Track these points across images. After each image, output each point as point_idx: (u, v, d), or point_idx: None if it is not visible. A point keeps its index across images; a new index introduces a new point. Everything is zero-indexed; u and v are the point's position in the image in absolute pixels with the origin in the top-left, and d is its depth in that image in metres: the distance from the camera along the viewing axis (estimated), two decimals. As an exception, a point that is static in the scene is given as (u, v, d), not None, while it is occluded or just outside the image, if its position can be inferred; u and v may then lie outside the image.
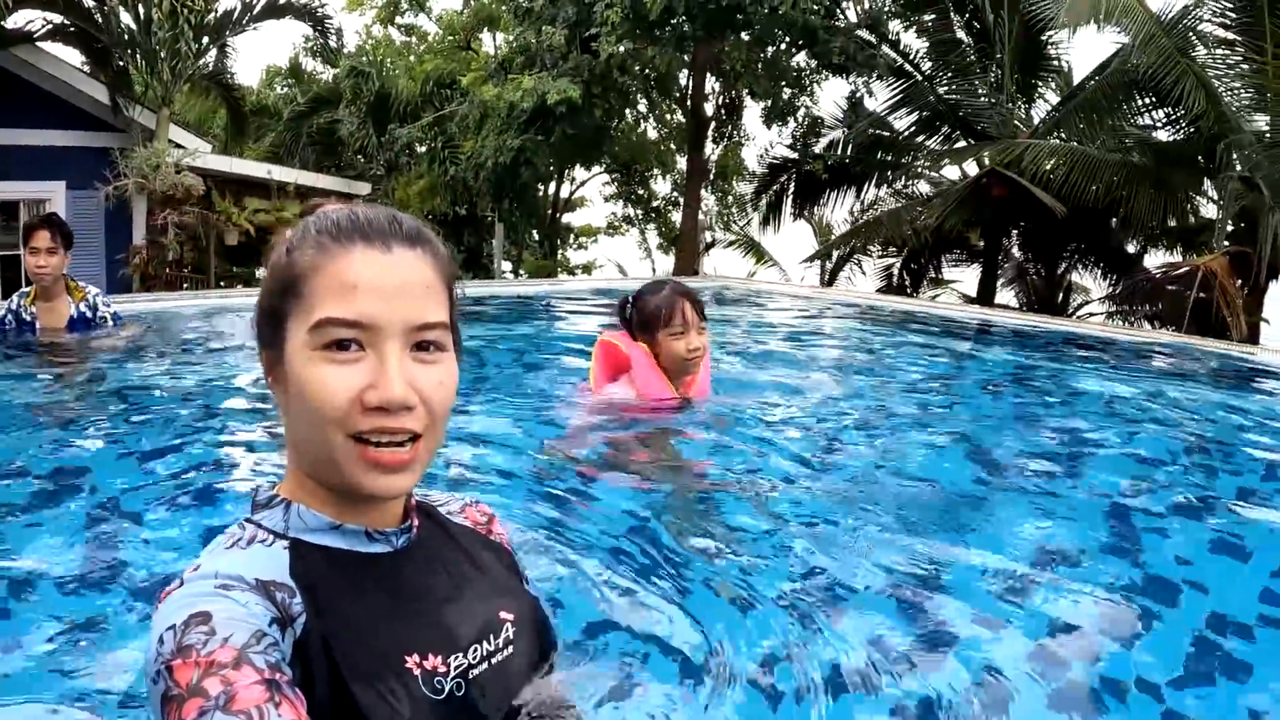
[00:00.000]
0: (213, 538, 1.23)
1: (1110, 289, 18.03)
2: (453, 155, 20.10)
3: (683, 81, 20.38)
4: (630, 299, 3.90)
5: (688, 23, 16.40)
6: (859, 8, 18.07)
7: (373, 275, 1.14)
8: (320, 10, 18.22)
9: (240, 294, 10.86)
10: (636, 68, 17.76)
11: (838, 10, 16.84)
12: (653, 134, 25.34)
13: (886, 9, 18.69)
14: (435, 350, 1.17)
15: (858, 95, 19.73)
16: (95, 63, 16.72)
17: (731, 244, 24.04)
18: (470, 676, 1.20)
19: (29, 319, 5.73)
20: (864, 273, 21.99)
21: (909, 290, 20.00)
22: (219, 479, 3.21)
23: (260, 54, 70.97)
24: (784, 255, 23.10)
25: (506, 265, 26.28)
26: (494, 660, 1.25)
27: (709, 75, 19.81)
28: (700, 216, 23.37)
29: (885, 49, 18.30)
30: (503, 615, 1.30)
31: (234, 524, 1.23)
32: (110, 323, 5.94)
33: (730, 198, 23.87)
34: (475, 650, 1.23)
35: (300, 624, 1.10)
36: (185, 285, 17.83)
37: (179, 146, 17.11)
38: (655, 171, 26.28)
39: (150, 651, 1.02)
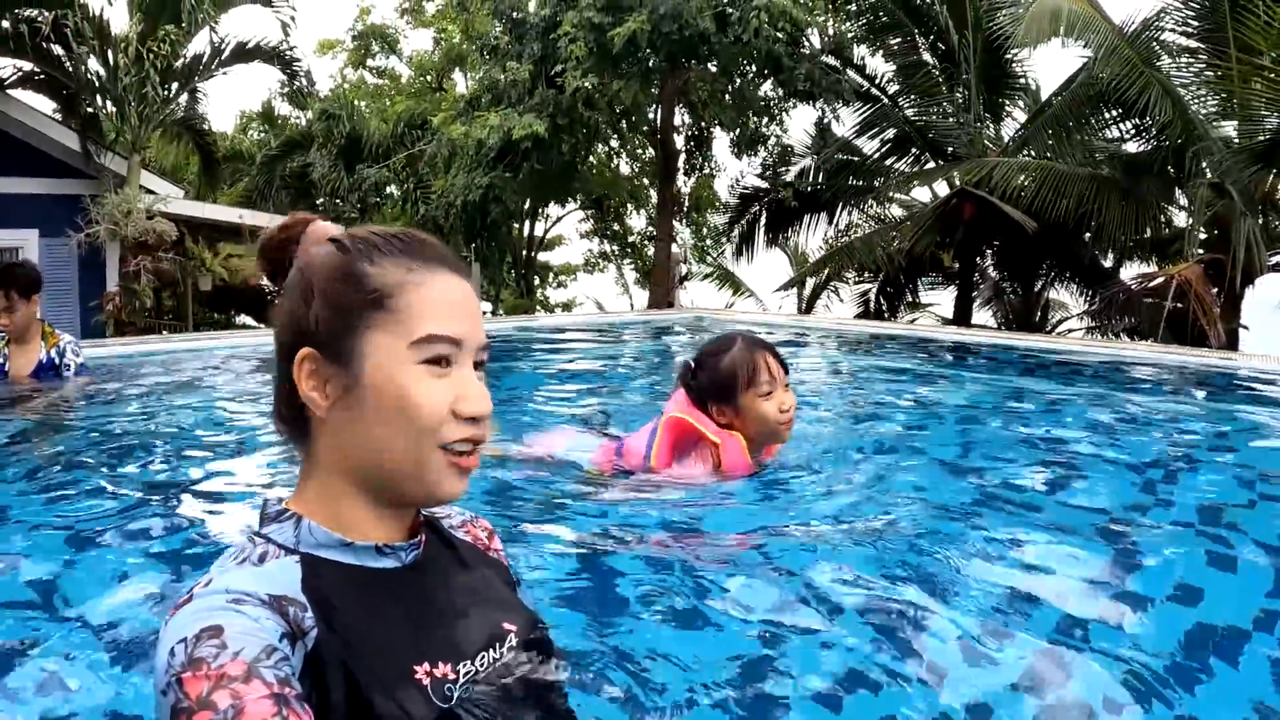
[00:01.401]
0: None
1: (1087, 304, 18.07)
2: (424, 195, 20.09)
3: (651, 115, 20.42)
4: (695, 362, 3.42)
5: (652, 55, 16.45)
6: (823, 35, 18.15)
7: (461, 298, 1.24)
8: (289, 54, 18.23)
9: (206, 337, 10.87)
10: (603, 102, 17.75)
11: (801, 38, 16.84)
12: (625, 169, 25.41)
13: (851, 35, 18.84)
14: (481, 369, 1.27)
15: (825, 121, 19.83)
16: (66, 110, 16.68)
17: (708, 276, 24.05)
18: (478, 685, 1.23)
19: (1, 360, 5.66)
20: (841, 299, 22.03)
21: (886, 315, 20.01)
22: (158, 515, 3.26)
23: (236, 98, 70.75)
24: (761, 285, 23.13)
25: (486, 305, 26.27)
26: (500, 669, 1.27)
27: (677, 107, 19.87)
28: (675, 249, 23.41)
29: (851, 74, 18.41)
30: (506, 626, 1.32)
31: (243, 538, 1.24)
32: (71, 372, 5.84)
33: (704, 230, 23.90)
34: (482, 658, 1.25)
35: (312, 638, 1.12)
36: (164, 331, 17.75)
37: (150, 192, 17.07)
38: (629, 206, 26.29)
39: (160, 664, 1.03)
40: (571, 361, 8.86)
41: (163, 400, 6.26)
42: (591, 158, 24.42)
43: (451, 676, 1.20)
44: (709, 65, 17.57)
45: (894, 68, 18.68)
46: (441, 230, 20.25)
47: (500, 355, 8.77)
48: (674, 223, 24.09)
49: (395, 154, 21.05)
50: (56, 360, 5.78)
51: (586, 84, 16.36)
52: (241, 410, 5.64)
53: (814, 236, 20.99)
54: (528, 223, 25.25)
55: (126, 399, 6.41)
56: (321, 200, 22.11)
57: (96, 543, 2.94)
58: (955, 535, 2.94)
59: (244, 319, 22.47)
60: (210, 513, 3.40)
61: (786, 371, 3.37)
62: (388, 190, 21.46)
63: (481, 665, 1.24)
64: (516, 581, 1.52)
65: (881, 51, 18.66)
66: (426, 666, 1.18)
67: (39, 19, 14.97)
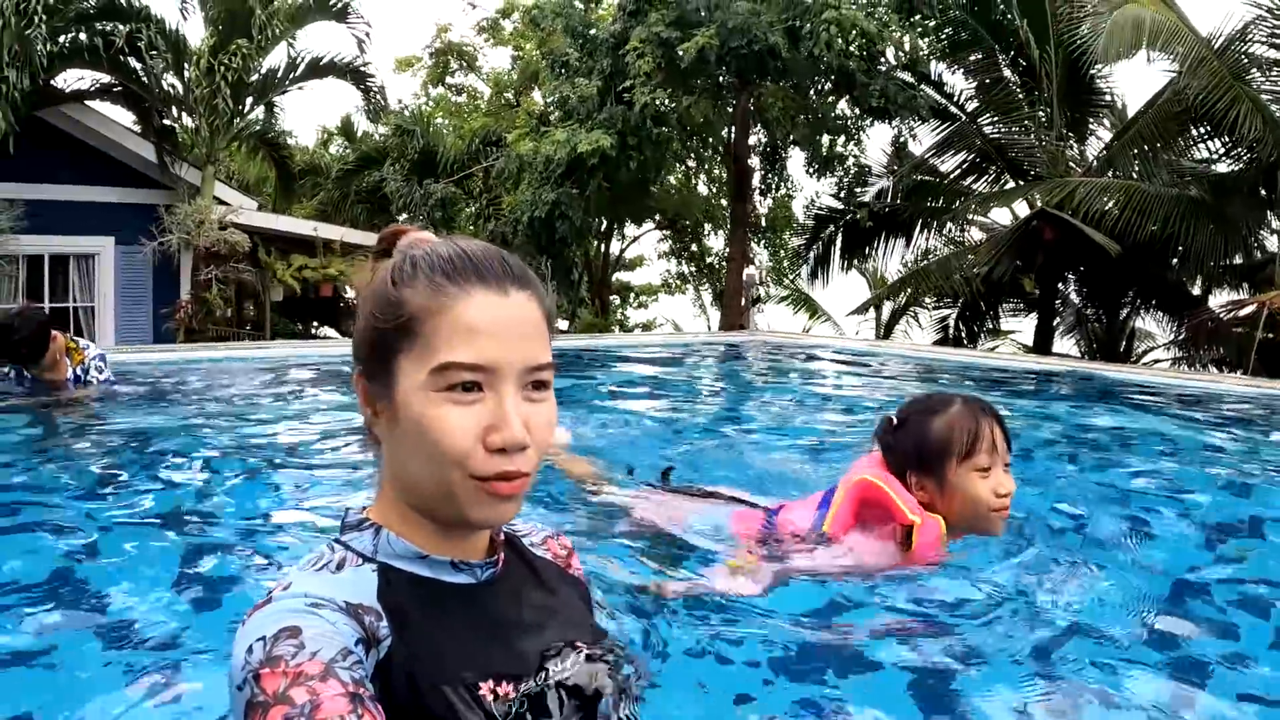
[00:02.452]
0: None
1: (1174, 333, 17.19)
2: (495, 210, 20.07)
3: (724, 133, 20.14)
4: (899, 417, 2.84)
5: (722, 71, 16.16)
6: (899, 50, 17.62)
7: (493, 320, 1.15)
8: (363, 70, 18.39)
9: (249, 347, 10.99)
10: (672, 118, 17.51)
11: (876, 53, 16.35)
12: (703, 189, 25.12)
13: (927, 51, 18.30)
14: (542, 389, 1.19)
15: (902, 140, 19.30)
16: (143, 121, 17.01)
17: (785, 299, 23.59)
18: (543, 704, 1.20)
19: (28, 380, 5.81)
20: (920, 325, 21.40)
21: (965, 341, 19.31)
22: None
23: (320, 112, 72.39)
24: (839, 308, 22.65)
25: (563, 324, 26.20)
26: (566, 688, 1.24)
27: (752, 125, 19.53)
28: (750, 270, 23.01)
29: (928, 90, 17.85)
30: (578, 645, 1.30)
31: (324, 544, 1.24)
32: (96, 385, 5.98)
33: (782, 251, 23.46)
34: (545, 677, 1.23)
35: (385, 647, 1.12)
36: (240, 339, 18.05)
37: (223, 203, 17.33)
38: (707, 227, 25.98)
39: (237, 660, 1.03)
40: (625, 388, 8.54)
41: (206, 406, 6.39)
42: (671, 177, 24.27)
43: (514, 696, 1.17)
44: (781, 82, 17.17)
45: (973, 84, 18.11)
46: (509, 245, 20.24)
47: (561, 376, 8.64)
48: (751, 244, 23.77)
49: (469, 170, 21.08)
50: (83, 376, 5.91)
51: (655, 100, 16.15)
52: (276, 419, 5.78)
53: (892, 259, 20.40)
54: (603, 241, 25.01)
55: (166, 403, 6.59)
56: (404, 217, 22.26)
57: (112, 540, 3.11)
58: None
59: (326, 330, 22.76)
60: (225, 515, 3.51)
61: (1010, 448, 2.72)
62: (457, 206, 21.44)
63: (547, 684, 1.22)
64: (595, 601, 1.52)
65: (960, 68, 18.08)
66: (492, 683, 1.16)
67: (114, 33, 15.31)
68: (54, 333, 5.72)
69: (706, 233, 26.21)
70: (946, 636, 2.37)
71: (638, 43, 16.12)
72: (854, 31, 15.02)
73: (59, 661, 2.24)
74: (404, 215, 21.76)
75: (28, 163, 14.87)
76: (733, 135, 19.66)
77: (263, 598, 1.12)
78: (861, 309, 20.61)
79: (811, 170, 19.57)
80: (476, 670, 1.16)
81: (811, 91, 17.51)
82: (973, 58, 17.73)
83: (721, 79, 16.47)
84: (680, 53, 15.64)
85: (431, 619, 1.18)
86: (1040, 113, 17.00)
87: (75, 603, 2.62)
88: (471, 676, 1.15)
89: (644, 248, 30.42)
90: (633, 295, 32.26)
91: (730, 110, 18.58)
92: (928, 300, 20.31)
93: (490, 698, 1.15)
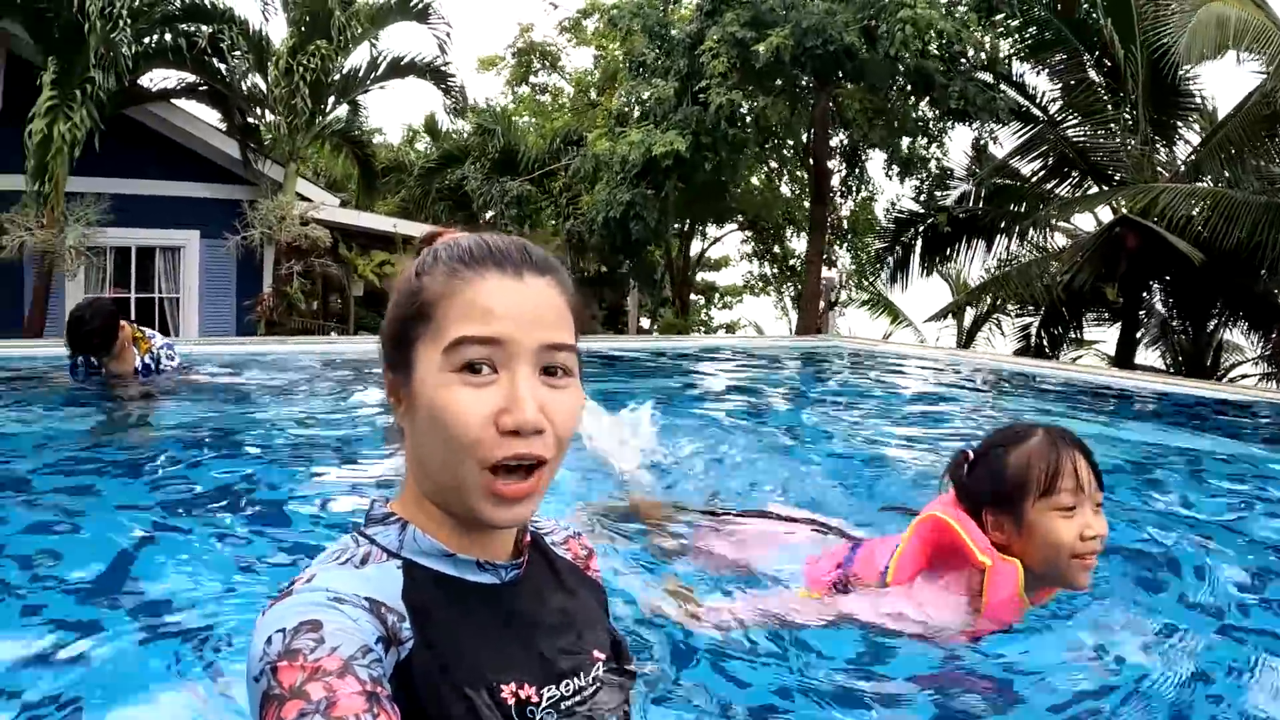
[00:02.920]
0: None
1: (1262, 347, 16.46)
2: (573, 209, 20.15)
3: (804, 135, 19.91)
4: (976, 451, 2.55)
5: (799, 72, 15.95)
6: (978, 50, 17.16)
7: (507, 301, 1.15)
8: (443, 69, 18.60)
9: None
10: (748, 119, 17.35)
11: (955, 54, 15.95)
12: (786, 190, 24.89)
13: (1008, 52, 17.82)
14: (563, 375, 1.17)
15: (982, 142, 18.83)
16: (227, 119, 17.45)
17: (865, 303, 23.26)
18: (561, 709, 1.20)
19: (97, 367, 6.10)
20: (1003, 332, 20.87)
21: (1047, 351, 18.77)
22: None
23: (410, 110, 73.36)
24: (920, 314, 22.15)
25: (646, 322, 26.22)
26: (584, 695, 1.24)
27: (831, 127, 19.27)
28: (830, 274, 22.73)
29: (1009, 91, 17.38)
30: (595, 654, 1.30)
31: (347, 536, 1.24)
32: (173, 373, 6.30)
33: (863, 255, 23.14)
34: (568, 684, 1.22)
35: (407, 647, 1.11)
36: (324, 332, 18.48)
37: (305, 199, 17.69)
38: (790, 229, 25.74)
39: (255, 651, 1.02)
40: (689, 391, 8.47)
41: (274, 397, 6.73)
42: (755, 178, 24.09)
43: (535, 700, 1.17)
44: (859, 82, 16.89)
45: (1057, 86, 17.56)
46: (586, 245, 20.30)
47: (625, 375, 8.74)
48: (834, 247, 23.50)
49: (548, 169, 21.20)
50: (152, 365, 6.17)
51: (730, 101, 16.03)
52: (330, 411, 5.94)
53: (973, 264, 19.95)
54: (683, 242, 24.96)
55: (235, 394, 6.87)
56: (489, 215, 22.50)
57: (168, 527, 3.23)
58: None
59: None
60: (276, 508, 3.61)
61: (1101, 486, 2.37)
62: (533, 204, 21.57)
63: (566, 690, 1.22)
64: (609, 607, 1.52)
65: (1044, 69, 17.55)
66: (513, 686, 1.16)
67: (197, 34, 15.74)
68: (121, 322, 6.01)
69: (790, 235, 25.96)
70: (996, 696, 2.17)
71: (712, 43, 16.01)
72: (930, 31, 14.68)
73: (113, 652, 2.28)
74: (490, 214, 22.01)
75: (116, 159, 15.33)
76: (811, 137, 19.42)
77: (283, 589, 1.11)
78: (939, 315, 20.19)
79: (890, 173, 19.23)
80: (498, 672, 1.16)
81: (890, 92, 17.12)
82: (1056, 58, 17.20)
83: (798, 79, 16.21)
84: (755, 53, 15.45)
85: (455, 619, 1.18)
86: (1125, 115, 16.42)
87: (128, 590, 2.68)
88: (493, 678, 1.15)
89: (729, 249, 30.16)
90: (718, 296, 32.16)
91: (808, 111, 18.30)
92: (1010, 307, 19.82)
93: (511, 700, 1.15)
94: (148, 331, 6.39)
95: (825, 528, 3.07)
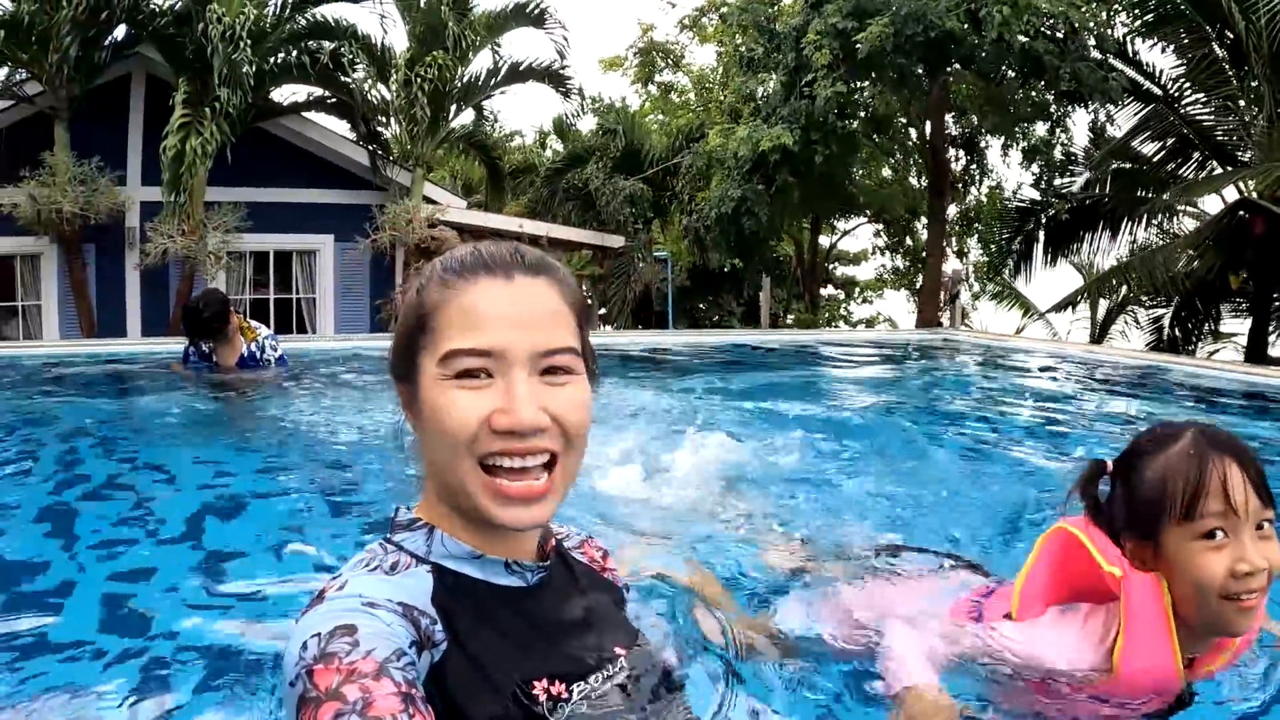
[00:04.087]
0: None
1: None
2: (693, 206, 20.36)
3: (908, 124, 19.56)
4: (1117, 460, 2.01)
5: (907, 62, 15.72)
6: (1084, 30, 16.36)
7: (497, 305, 1.18)
8: (561, 72, 19.10)
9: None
10: (856, 111, 17.20)
11: (1067, 34, 15.36)
12: (915, 182, 24.48)
13: (1125, 30, 17.02)
14: (564, 374, 1.20)
15: (1099, 125, 18.07)
16: (355, 128, 18.39)
17: (995, 296, 22.63)
18: (589, 704, 1.23)
19: (209, 352, 6.94)
20: (1138, 325, 19.93)
21: (1180, 346, 17.88)
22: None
23: (544, 113, 74.62)
24: (1048, 305, 21.40)
25: (790, 317, 26.20)
26: (609, 689, 1.27)
27: (949, 116, 18.88)
28: (956, 266, 22.26)
29: (1124, 68, 16.61)
30: (617, 650, 1.33)
31: (375, 543, 1.28)
32: (273, 364, 7.01)
33: (992, 246, 22.56)
34: (595, 678, 1.26)
35: (440, 650, 1.14)
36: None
37: (432, 202, 18.47)
38: (923, 220, 25.28)
39: (291, 656, 1.05)
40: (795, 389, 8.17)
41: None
42: (885, 170, 23.79)
43: (565, 695, 1.20)
44: (969, 68, 16.50)
45: (1179, 63, 16.68)
46: (702, 242, 20.47)
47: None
48: (963, 239, 23.00)
49: (666, 165, 21.47)
50: (257, 353, 6.94)
51: (837, 92, 15.95)
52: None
53: (1099, 253, 19.11)
54: (811, 236, 24.81)
55: (341, 388, 7.40)
56: (603, 210, 22.92)
57: (262, 516, 3.38)
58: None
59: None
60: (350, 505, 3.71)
61: (1270, 503, 1.80)
62: (647, 203, 21.86)
63: (595, 682, 1.25)
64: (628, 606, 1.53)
65: (1168, 44, 16.68)
66: (544, 684, 1.19)
67: (320, 50, 16.68)
68: (231, 310, 6.81)
69: (920, 228, 25.50)
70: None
71: (814, 35, 15.98)
72: (1029, 13, 14.27)
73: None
74: (605, 211, 22.39)
75: (253, 169, 16.39)
76: (926, 127, 19.09)
77: (315, 596, 1.15)
78: (1059, 307, 19.51)
79: (1008, 161, 18.73)
80: (530, 671, 1.19)
81: (1003, 77, 16.64)
82: (1177, 33, 16.34)
83: (906, 68, 15.97)
84: (857, 43, 15.33)
85: (484, 621, 1.21)
86: (1249, 91, 15.53)
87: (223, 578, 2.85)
88: (525, 677, 1.18)
89: (865, 243, 29.83)
90: (857, 291, 31.81)
91: (921, 101, 18.00)
92: (1144, 299, 18.95)
93: (543, 697, 1.18)
94: (254, 324, 7.16)
95: (965, 566, 2.52)
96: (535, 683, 1.17)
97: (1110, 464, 2.01)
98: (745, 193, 17.54)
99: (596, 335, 16.93)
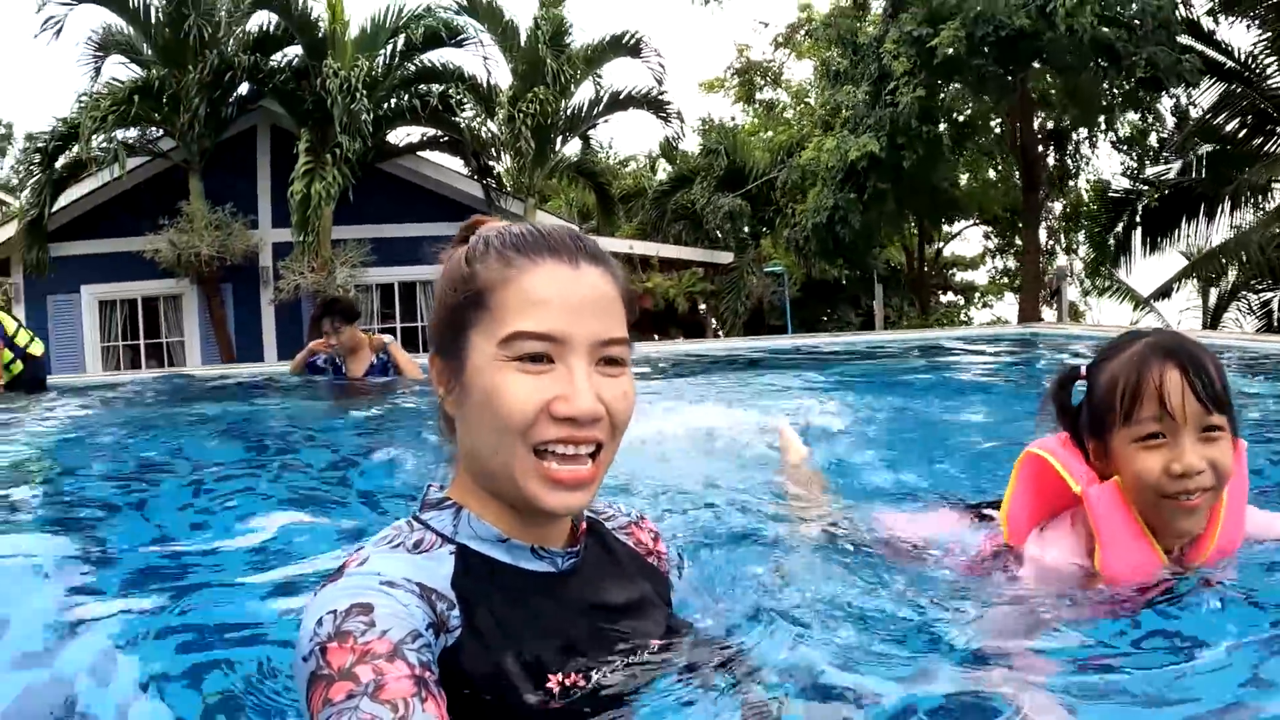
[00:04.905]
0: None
1: None
2: (789, 219, 21.00)
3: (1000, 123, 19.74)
4: (1081, 368, 2.06)
5: (984, 62, 16.05)
6: (1154, 14, 16.20)
7: (562, 290, 1.17)
8: (660, 98, 20.04)
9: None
10: (940, 114, 17.58)
11: (1135, 19, 15.40)
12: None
13: (1201, 11, 16.86)
14: (618, 365, 1.20)
15: (1182, 108, 17.89)
16: (467, 164, 19.71)
17: (1104, 290, 22.44)
18: (604, 690, 1.22)
19: (340, 364, 7.62)
20: (1252, 310, 19.54)
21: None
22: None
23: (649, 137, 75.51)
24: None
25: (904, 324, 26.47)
26: (631, 679, 1.25)
27: (1034, 112, 19.03)
28: (1061, 262, 22.22)
29: (1202, 47, 16.51)
30: (650, 641, 1.31)
31: (403, 520, 1.27)
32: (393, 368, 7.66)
33: (1094, 239, 22.37)
34: (615, 669, 1.24)
35: (455, 636, 1.14)
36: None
37: (543, 230, 19.60)
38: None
39: (306, 631, 1.05)
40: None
41: None
42: (990, 171, 23.86)
43: (582, 684, 1.19)
44: (1046, 63, 16.70)
45: (1261, 36, 16.53)
46: (802, 252, 21.05)
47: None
48: (1066, 235, 22.94)
49: (765, 180, 22.15)
50: (379, 366, 7.55)
51: (917, 98, 16.41)
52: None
53: (1196, 238, 18.87)
54: (920, 242, 25.05)
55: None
56: (718, 232, 23.70)
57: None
58: None
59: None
60: None
61: (1216, 408, 1.83)
62: (749, 219, 22.55)
63: (611, 674, 1.23)
64: (672, 594, 1.50)
65: (1251, 20, 16.49)
66: (560, 676, 1.18)
67: (429, 94, 18.09)
68: (359, 325, 7.54)
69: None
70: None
71: (891, 44, 16.52)
72: (1094, 1, 14.47)
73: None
74: (710, 229, 23.11)
75: (374, 207, 17.92)
76: (1016, 125, 19.27)
77: (336, 570, 1.14)
78: (1158, 295, 19.32)
79: (1095, 153, 18.75)
80: (545, 659, 1.18)
81: (1079, 69, 16.72)
82: (1254, 4, 16.23)
83: (983, 69, 16.29)
84: (933, 49, 15.78)
85: (505, 606, 1.19)
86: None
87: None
88: (540, 665, 1.17)
89: (977, 246, 29.74)
90: (976, 295, 31.71)
91: (1006, 100, 18.23)
92: (1255, 283, 18.60)
93: (556, 688, 1.17)
94: (384, 337, 7.84)
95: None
96: (550, 674, 1.17)
97: (1084, 369, 2.07)
98: (838, 201, 18.14)
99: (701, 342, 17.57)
